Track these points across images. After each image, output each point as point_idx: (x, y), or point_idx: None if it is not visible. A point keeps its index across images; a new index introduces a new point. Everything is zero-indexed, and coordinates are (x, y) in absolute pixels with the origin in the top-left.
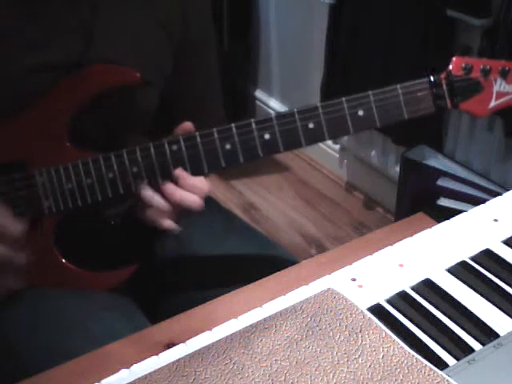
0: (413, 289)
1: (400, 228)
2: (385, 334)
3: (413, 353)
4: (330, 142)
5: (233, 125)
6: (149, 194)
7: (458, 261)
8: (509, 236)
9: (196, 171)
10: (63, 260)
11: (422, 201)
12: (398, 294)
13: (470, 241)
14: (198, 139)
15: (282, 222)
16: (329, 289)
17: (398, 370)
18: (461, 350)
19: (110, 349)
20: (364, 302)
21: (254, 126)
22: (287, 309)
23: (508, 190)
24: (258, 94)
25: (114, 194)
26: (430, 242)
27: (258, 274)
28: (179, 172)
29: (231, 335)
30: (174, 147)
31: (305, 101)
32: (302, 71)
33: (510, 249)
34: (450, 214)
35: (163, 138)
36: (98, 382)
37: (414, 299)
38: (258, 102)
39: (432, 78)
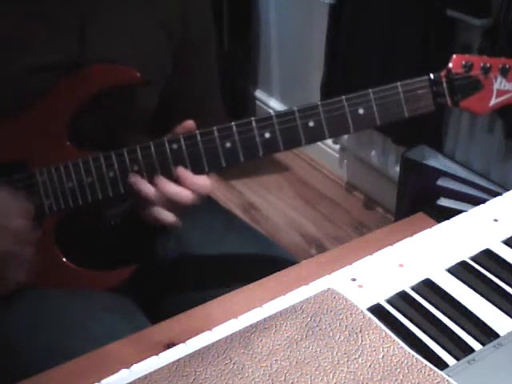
0: (413, 289)
1: (400, 228)
2: (385, 333)
3: (413, 353)
4: (330, 142)
5: (233, 123)
6: (144, 185)
7: (458, 261)
8: (509, 236)
9: (196, 170)
10: (64, 259)
11: (422, 201)
12: (398, 293)
13: (470, 241)
14: (199, 138)
15: (282, 222)
16: (329, 289)
17: (398, 370)
18: (461, 350)
19: (110, 349)
20: (364, 302)
21: (254, 124)
22: (287, 309)
23: (508, 190)
24: (258, 93)
25: (115, 193)
26: (430, 242)
27: (257, 274)
28: (180, 170)
29: (231, 335)
30: (175, 146)
31: (305, 101)
32: (302, 71)
33: (510, 249)
34: (450, 213)
35: (163, 137)
36: (98, 382)
37: (414, 299)
38: (258, 102)
39: (432, 76)
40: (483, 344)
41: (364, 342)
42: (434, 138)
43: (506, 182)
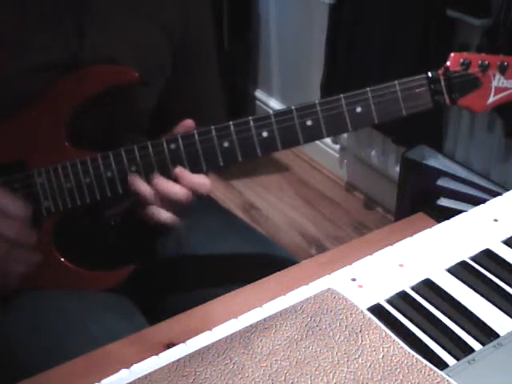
0: (413, 289)
1: (400, 228)
2: (385, 333)
3: (413, 353)
4: (330, 142)
5: (231, 123)
6: (142, 185)
7: (458, 261)
8: (509, 236)
9: (194, 169)
10: (62, 259)
11: (421, 201)
12: (398, 293)
13: (470, 241)
14: (196, 137)
15: (282, 222)
16: (329, 289)
17: (398, 369)
18: (461, 350)
19: (110, 349)
20: (364, 302)
21: (251, 123)
22: (287, 309)
23: (508, 190)
24: (258, 94)
25: (113, 193)
26: (430, 242)
27: (257, 274)
28: (179, 170)
29: (231, 335)
30: (172, 146)
31: (305, 101)
32: (302, 71)
33: (510, 249)
34: (450, 213)
35: (161, 137)
36: (98, 382)
37: (414, 299)
38: (257, 102)
39: (430, 74)
40: (483, 344)
41: (364, 342)
42: (433, 138)
43: (506, 182)
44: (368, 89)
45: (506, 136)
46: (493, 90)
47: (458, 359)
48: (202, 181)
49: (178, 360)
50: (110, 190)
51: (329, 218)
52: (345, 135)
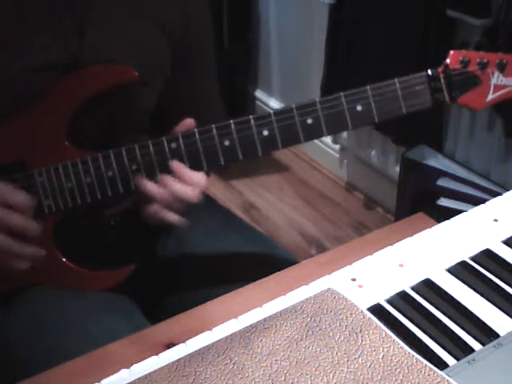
0: (413, 289)
1: (400, 228)
2: (385, 333)
3: (413, 353)
4: (330, 142)
5: (231, 121)
6: (150, 186)
7: (458, 261)
8: (509, 236)
9: (195, 168)
10: (63, 259)
11: (421, 201)
12: (398, 293)
13: (470, 241)
14: (197, 136)
15: (282, 222)
16: (329, 289)
17: (398, 369)
18: (461, 350)
19: (110, 349)
20: (364, 302)
21: (252, 122)
22: (287, 309)
23: (508, 190)
24: (258, 94)
25: (114, 193)
26: (430, 242)
27: (257, 273)
28: (176, 164)
29: (231, 335)
30: (173, 145)
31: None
32: (302, 71)
33: (510, 249)
34: (450, 214)
35: (162, 136)
36: (98, 382)
37: (414, 299)
38: (257, 102)
39: (430, 72)
40: (483, 344)
41: (364, 342)
42: (434, 138)
43: (506, 182)
44: (368, 87)
45: (506, 136)
46: (492, 88)
47: (458, 359)
48: (197, 176)
49: (178, 360)
50: (110, 190)
51: (329, 218)
52: (345, 135)
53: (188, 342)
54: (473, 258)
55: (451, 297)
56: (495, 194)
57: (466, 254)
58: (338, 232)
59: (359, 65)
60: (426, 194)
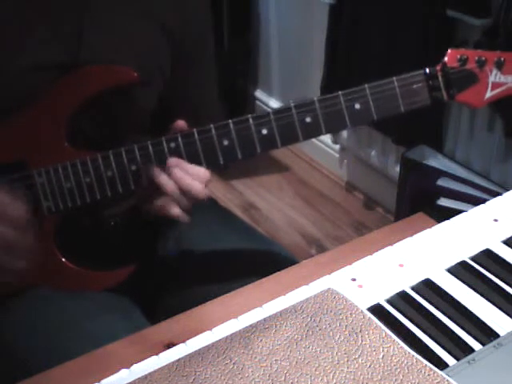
0: (413, 289)
1: (400, 228)
2: (385, 333)
3: (413, 353)
4: (330, 142)
5: (230, 121)
6: (163, 177)
7: (458, 261)
8: (509, 236)
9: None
10: (63, 259)
11: (421, 201)
12: (398, 293)
13: (470, 241)
14: (196, 136)
15: (282, 222)
16: (329, 289)
17: (398, 369)
18: (461, 350)
19: (110, 349)
20: (364, 302)
21: (251, 121)
22: (287, 309)
23: (508, 190)
24: (258, 93)
25: (113, 193)
26: (430, 242)
27: (257, 273)
28: (176, 161)
29: (231, 335)
30: (172, 144)
31: None
32: (302, 71)
33: (510, 249)
34: (450, 214)
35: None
36: (98, 382)
37: (414, 299)
38: (257, 102)
39: (428, 70)
40: (483, 344)
41: (364, 342)
42: (433, 138)
43: (506, 182)
44: (366, 85)
45: (506, 136)
46: (490, 86)
47: (458, 359)
48: (203, 170)
49: (178, 360)
50: (110, 190)
51: (329, 218)
52: (345, 135)
53: (188, 342)
54: (473, 258)
55: (451, 297)
56: (495, 194)
57: (465, 253)
58: (338, 232)
59: (359, 65)
60: (426, 193)
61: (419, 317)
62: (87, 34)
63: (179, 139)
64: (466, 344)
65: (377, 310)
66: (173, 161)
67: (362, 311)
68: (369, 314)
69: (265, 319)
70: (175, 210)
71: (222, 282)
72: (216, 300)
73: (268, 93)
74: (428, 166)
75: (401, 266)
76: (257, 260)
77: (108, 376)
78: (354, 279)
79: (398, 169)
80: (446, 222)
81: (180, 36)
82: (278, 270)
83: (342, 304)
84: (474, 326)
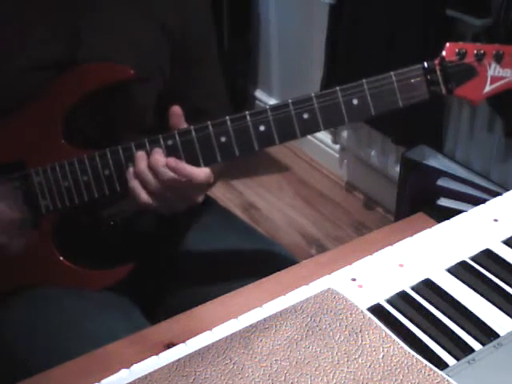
0: (413, 289)
1: (400, 228)
2: (385, 333)
3: (413, 353)
4: (330, 142)
5: (227, 118)
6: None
7: (458, 261)
8: (509, 236)
9: (192, 165)
10: (61, 258)
11: (421, 201)
12: (398, 293)
13: (470, 241)
14: (193, 134)
15: (282, 222)
16: (329, 289)
17: (398, 369)
18: (461, 349)
19: (110, 349)
20: (364, 302)
21: (248, 118)
22: (287, 309)
23: (508, 190)
24: (258, 93)
25: (111, 191)
26: (430, 242)
27: (257, 273)
28: (173, 161)
29: (231, 335)
30: (170, 142)
31: None
32: (302, 71)
33: (510, 249)
34: (450, 214)
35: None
36: (98, 382)
37: (414, 299)
38: (258, 102)
39: (426, 65)
40: (483, 344)
41: (364, 342)
42: (433, 138)
43: (506, 182)
44: (364, 80)
45: (506, 136)
46: (489, 79)
47: (458, 359)
48: (195, 169)
49: (178, 360)
50: (108, 188)
51: (329, 218)
52: (345, 135)
53: (188, 342)
54: (473, 258)
55: (451, 297)
56: (495, 194)
57: (466, 253)
58: (338, 232)
59: (359, 64)
60: (426, 193)
61: (419, 317)
62: (86, 34)
63: (176, 137)
64: (466, 344)
65: (377, 310)
66: (171, 161)
67: (361, 311)
68: (369, 314)
69: (265, 319)
70: (143, 196)
71: (222, 282)
72: (216, 300)
73: (268, 93)
74: (428, 166)
75: (401, 266)
76: (257, 260)
77: (108, 376)
78: (354, 279)
79: (397, 169)
80: (446, 222)
81: (180, 36)
82: (278, 270)
83: (341, 304)
84: (474, 326)
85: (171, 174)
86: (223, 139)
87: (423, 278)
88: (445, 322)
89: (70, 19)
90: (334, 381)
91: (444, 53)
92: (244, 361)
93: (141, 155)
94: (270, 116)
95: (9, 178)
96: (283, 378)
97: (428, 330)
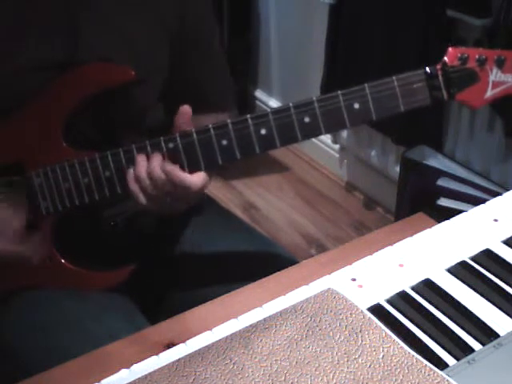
0: (413, 289)
1: (400, 228)
2: (385, 333)
3: (413, 353)
4: (330, 142)
5: (228, 121)
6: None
7: (458, 261)
8: (509, 236)
9: (193, 168)
10: (62, 260)
11: (421, 201)
12: (398, 293)
13: (470, 241)
14: (195, 136)
15: (282, 222)
16: (329, 289)
17: (398, 369)
18: (461, 349)
19: (110, 349)
20: (364, 302)
21: (250, 121)
22: (287, 309)
23: (508, 190)
24: (258, 93)
25: (111, 193)
26: (430, 242)
27: (257, 273)
28: (170, 168)
29: (231, 335)
30: (171, 145)
31: None
32: (302, 71)
33: (510, 249)
34: (450, 214)
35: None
36: (98, 382)
37: (414, 299)
38: (258, 102)
39: (428, 70)
40: (483, 344)
41: (364, 342)
42: (433, 138)
43: (506, 182)
44: (366, 85)
45: (506, 136)
46: (490, 84)
47: (458, 359)
48: (190, 177)
49: (178, 360)
50: (108, 190)
51: (329, 218)
52: (345, 135)
53: (188, 342)
54: (473, 258)
55: (451, 297)
56: (495, 194)
57: (466, 253)
58: (338, 232)
59: (359, 65)
60: (426, 193)
61: (419, 317)
62: (86, 34)
63: (178, 139)
64: (466, 344)
65: (377, 310)
66: (168, 170)
67: (361, 311)
68: (369, 314)
69: (265, 319)
70: (141, 198)
71: (222, 282)
72: (216, 300)
73: (268, 93)
74: (428, 166)
75: (401, 266)
76: (257, 260)
77: (108, 376)
78: (354, 279)
79: (397, 169)
80: (446, 221)
81: (178, 28)
82: (278, 270)
83: (341, 304)
84: (474, 326)
85: (169, 183)
86: (224, 142)
87: (423, 278)
88: (445, 321)
89: (69, 19)
90: (334, 381)
91: (446, 58)
92: (244, 361)
93: (141, 160)
94: (272, 119)
95: (9, 180)
96: (283, 378)
97: (428, 330)
